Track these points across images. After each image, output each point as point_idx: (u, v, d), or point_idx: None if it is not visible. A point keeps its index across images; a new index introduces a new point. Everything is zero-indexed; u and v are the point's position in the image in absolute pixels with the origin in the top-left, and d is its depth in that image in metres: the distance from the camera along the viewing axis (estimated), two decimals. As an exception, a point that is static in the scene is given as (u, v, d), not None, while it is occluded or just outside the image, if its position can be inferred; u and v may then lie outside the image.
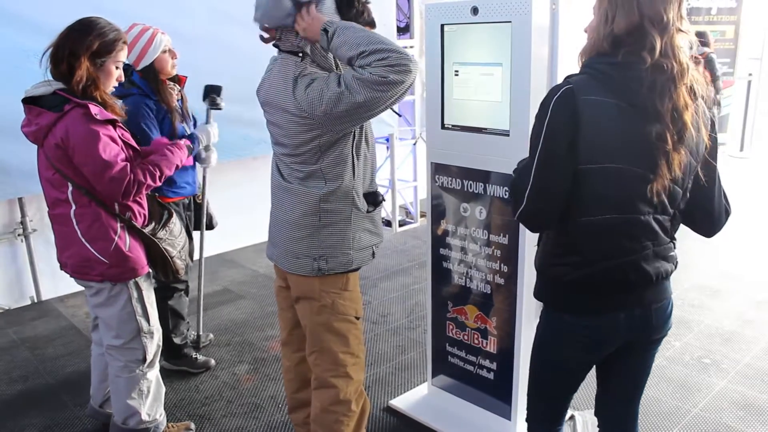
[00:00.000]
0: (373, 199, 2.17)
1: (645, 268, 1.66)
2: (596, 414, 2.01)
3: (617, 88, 1.55)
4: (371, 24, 2.10)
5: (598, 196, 1.60)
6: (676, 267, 1.75)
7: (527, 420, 1.98)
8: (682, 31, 1.56)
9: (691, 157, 1.63)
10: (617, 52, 1.56)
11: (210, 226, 3.49)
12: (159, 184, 2.43)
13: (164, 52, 2.95)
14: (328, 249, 2.08)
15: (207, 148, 3.06)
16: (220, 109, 3.15)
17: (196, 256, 3.36)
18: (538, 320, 1.86)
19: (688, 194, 1.70)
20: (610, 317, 1.70)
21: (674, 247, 1.74)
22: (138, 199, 2.43)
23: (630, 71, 1.54)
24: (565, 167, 1.58)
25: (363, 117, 1.95)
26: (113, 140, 2.26)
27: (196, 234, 3.35)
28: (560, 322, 1.76)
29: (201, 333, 3.62)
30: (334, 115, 1.91)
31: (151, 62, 2.91)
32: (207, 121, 3.12)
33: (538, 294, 1.82)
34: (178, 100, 3.07)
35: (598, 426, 2.02)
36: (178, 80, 3.11)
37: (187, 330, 3.57)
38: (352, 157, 2.05)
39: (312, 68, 2.00)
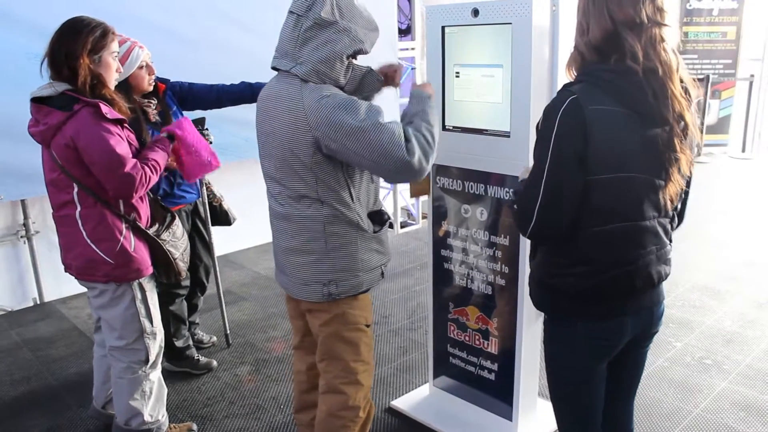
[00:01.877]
0: (379, 219, 2.13)
1: (650, 272, 1.67)
2: None
3: (621, 95, 1.54)
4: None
5: (608, 205, 1.59)
6: (671, 269, 1.77)
7: None
8: (663, 24, 1.55)
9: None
10: (607, 59, 1.56)
11: (227, 222, 3.50)
12: (157, 177, 2.41)
13: (141, 67, 2.81)
14: (337, 273, 2.04)
15: None
16: (210, 142, 3.12)
17: (218, 251, 3.38)
18: (542, 331, 1.84)
19: (683, 194, 1.72)
20: (617, 321, 1.70)
21: (671, 249, 1.75)
22: (141, 200, 2.44)
23: (629, 77, 1.53)
24: (576, 180, 1.56)
25: (343, 159, 1.92)
26: (122, 139, 2.28)
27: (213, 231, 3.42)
28: (568, 330, 1.75)
29: (228, 332, 3.66)
30: (331, 138, 1.85)
31: (126, 78, 2.77)
32: None
33: (540, 305, 1.80)
34: (160, 112, 2.97)
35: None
36: (156, 89, 2.97)
37: (195, 329, 3.59)
38: (346, 180, 2.00)
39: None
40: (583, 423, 1.85)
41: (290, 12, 1.96)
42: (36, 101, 2.25)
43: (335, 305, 2.09)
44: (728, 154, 8.72)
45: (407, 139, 1.85)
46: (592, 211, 1.59)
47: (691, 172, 1.71)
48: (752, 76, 8.66)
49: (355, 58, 2.02)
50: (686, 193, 1.78)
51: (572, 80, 1.64)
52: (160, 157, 2.45)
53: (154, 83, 2.94)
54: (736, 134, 8.82)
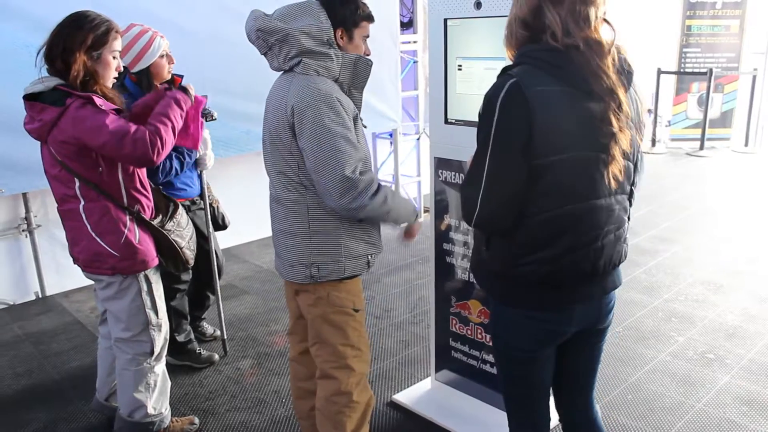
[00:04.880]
0: None
1: (609, 253, 1.66)
2: (557, 410, 2.00)
3: (559, 73, 1.52)
4: (368, 18, 2.09)
5: (560, 187, 1.56)
6: (628, 248, 1.76)
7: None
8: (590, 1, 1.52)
9: (635, 131, 1.63)
10: (536, 35, 1.55)
11: (223, 226, 3.49)
12: (175, 137, 2.38)
13: (162, 56, 2.89)
14: (319, 257, 2.09)
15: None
16: (214, 119, 3.11)
17: (220, 245, 3.35)
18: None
19: (639, 166, 1.70)
20: (567, 309, 1.69)
21: (629, 228, 1.74)
22: (144, 192, 2.43)
23: (563, 54, 1.51)
24: (520, 166, 1.54)
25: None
26: (115, 116, 2.26)
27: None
28: (515, 313, 1.72)
29: (225, 338, 3.58)
30: (299, 134, 1.97)
31: (147, 66, 2.86)
32: None
33: (495, 294, 1.77)
34: None
35: (560, 420, 2.00)
36: (173, 81, 3.03)
37: (200, 322, 3.60)
38: None
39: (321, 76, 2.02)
40: (531, 404, 1.85)
41: None
42: (28, 98, 2.23)
43: (320, 287, 2.14)
44: (731, 148, 8.70)
45: (369, 179, 1.98)
46: (544, 195, 1.56)
47: (639, 155, 1.69)
48: (755, 69, 8.63)
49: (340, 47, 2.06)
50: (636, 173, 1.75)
51: (511, 62, 1.63)
52: (173, 112, 2.38)
53: (171, 75, 3.00)
54: (739, 128, 8.79)
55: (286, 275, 2.18)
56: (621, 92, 1.53)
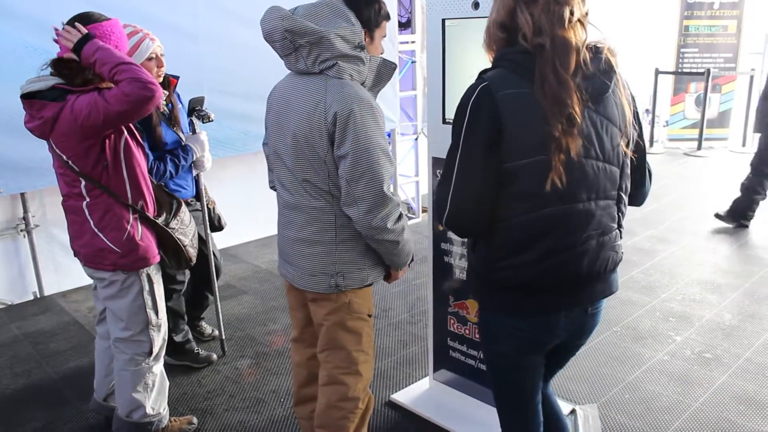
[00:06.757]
0: None
1: (592, 260, 1.62)
2: None
3: (529, 75, 1.51)
4: (387, 17, 2.08)
5: (533, 190, 1.54)
6: (621, 258, 1.72)
7: None
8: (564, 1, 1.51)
9: (618, 132, 1.59)
10: (513, 37, 1.55)
11: (219, 227, 3.49)
12: (132, 62, 2.21)
13: (150, 59, 2.80)
14: (345, 266, 2.07)
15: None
16: (211, 120, 3.10)
17: (218, 245, 3.35)
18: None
19: (628, 170, 1.66)
20: (550, 319, 1.67)
21: (620, 236, 1.70)
22: (147, 188, 2.43)
23: (531, 56, 1.51)
24: (487, 167, 1.54)
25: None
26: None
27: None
28: (496, 320, 1.73)
29: (223, 338, 3.57)
30: (337, 143, 1.94)
31: None
32: (193, 131, 3.12)
33: (478, 297, 1.78)
34: (167, 105, 3.01)
35: None
36: (168, 83, 3.00)
37: (199, 321, 3.62)
38: None
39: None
40: (521, 408, 1.85)
41: None
42: (27, 97, 2.23)
43: (342, 295, 2.11)
44: (729, 149, 8.71)
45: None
46: (516, 199, 1.56)
47: (626, 160, 1.64)
48: (753, 70, 8.64)
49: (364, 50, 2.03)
50: (642, 175, 1.73)
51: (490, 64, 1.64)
52: (111, 55, 2.18)
53: (164, 77, 2.96)
54: (736, 128, 8.81)
55: (305, 285, 2.12)
56: (573, 97, 1.49)
